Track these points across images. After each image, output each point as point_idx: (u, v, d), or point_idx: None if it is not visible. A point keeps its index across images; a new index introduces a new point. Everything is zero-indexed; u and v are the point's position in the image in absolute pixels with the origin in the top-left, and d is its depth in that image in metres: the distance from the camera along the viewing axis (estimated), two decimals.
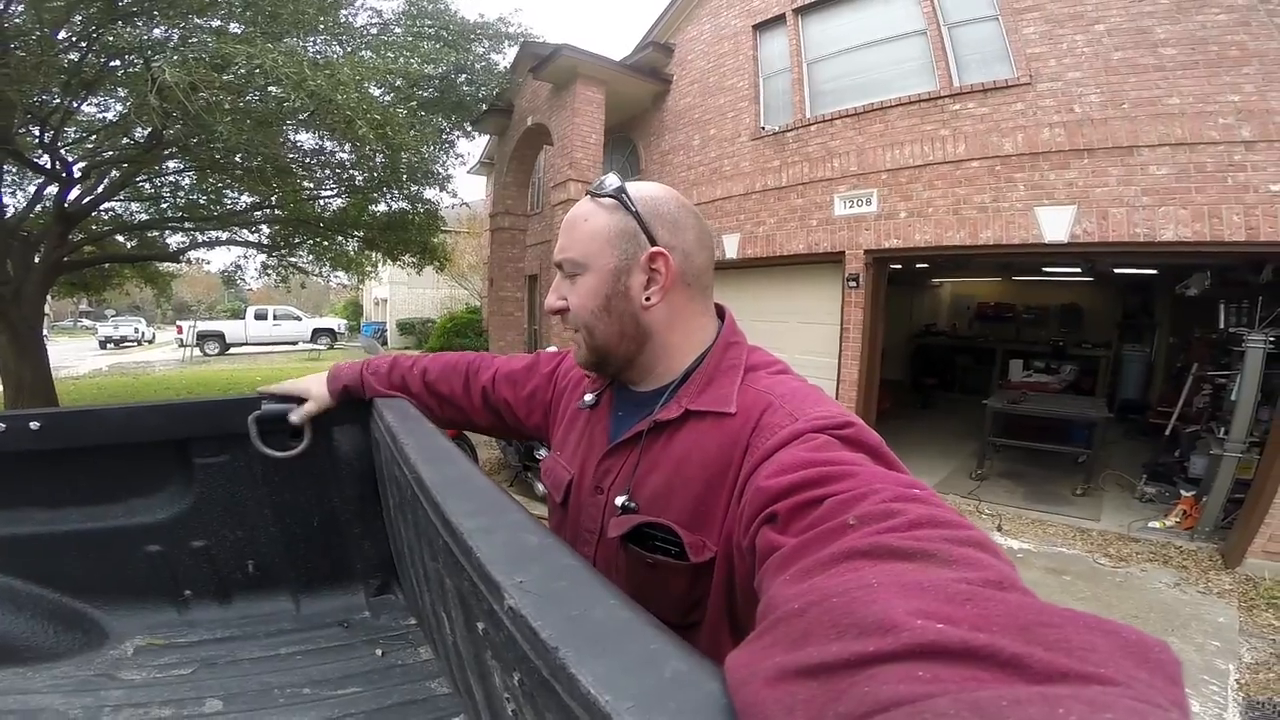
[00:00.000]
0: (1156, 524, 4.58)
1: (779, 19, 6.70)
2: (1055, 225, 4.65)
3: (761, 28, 6.94)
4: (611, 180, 0.74)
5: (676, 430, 0.71)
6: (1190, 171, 4.12)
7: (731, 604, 0.66)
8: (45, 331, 8.09)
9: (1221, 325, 4.83)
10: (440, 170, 8.50)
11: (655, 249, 0.72)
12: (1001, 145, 4.94)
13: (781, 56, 6.72)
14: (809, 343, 6.29)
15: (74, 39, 4.90)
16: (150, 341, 25.84)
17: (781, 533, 0.47)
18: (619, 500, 0.72)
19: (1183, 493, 4.79)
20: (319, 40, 6.37)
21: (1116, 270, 7.44)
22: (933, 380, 10.02)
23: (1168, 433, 5.57)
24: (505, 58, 8.77)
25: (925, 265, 7.92)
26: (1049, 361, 8.36)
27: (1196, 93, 4.15)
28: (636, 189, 0.74)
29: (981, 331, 10.53)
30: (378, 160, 6.99)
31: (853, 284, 5.78)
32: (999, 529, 4.63)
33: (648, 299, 0.73)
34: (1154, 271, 7.24)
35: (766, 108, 6.91)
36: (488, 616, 0.50)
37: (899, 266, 6.66)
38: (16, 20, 4.58)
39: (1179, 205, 4.14)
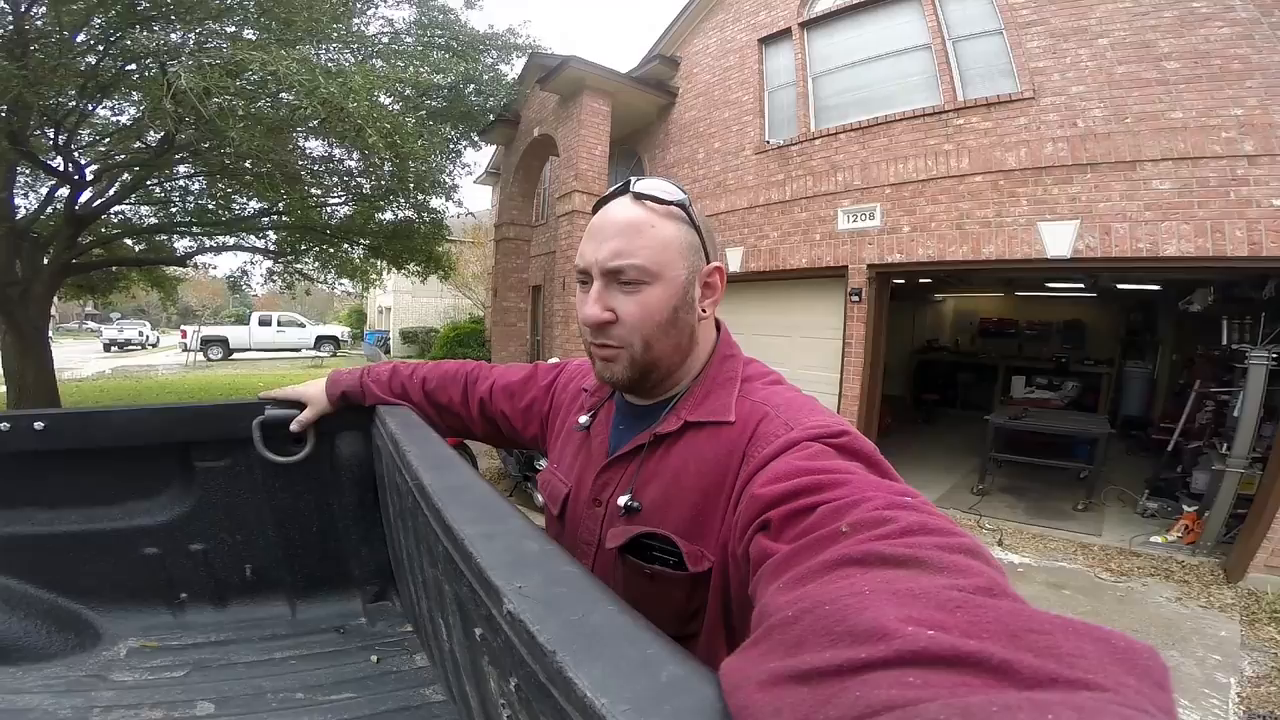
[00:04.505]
0: (1158, 539, 4.56)
1: (785, 33, 6.76)
2: (1058, 240, 4.65)
3: (767, 41, 7.00)
4: (665, 186, 0.70)
5: (675, 442, 0.71)
6: (1193, 186, 4.12)
7: (728, 614, 0.65)
8: (50, 333, 8.12)
9: (1224, 341, 4.82)
10: (447, 180, 8.59)
11: (716, 264, 0.73)
12: (1005, 160, 4.95)
13: (787, 70, 6.77)
14: (811, 357, 6.29)
15: (92, 42, 4.96)
16: (154, 345, 25.97)
17: (775, 540, 0.47)
18: (622, 500, 0.72)
19: (1185, 508, 4.77)
20: (331, 48, 6.44)
21: (1119, 286, 7.44)
22: (935, 396, 9.98)
23: (1170, 449, 5.55)
24: (513, 69, 8.88)
25: (928, 280, 7.93)
26: (1051, 378, 8.33)
27: (1199, 106, 4.15)
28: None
29: (984, 347, 10.50)
30: (385, 169, 7.04)
31: (855, 298, 5.78)
32: (1000, 544, 4.60)
33: (704, 311, 0.73)
34: (1157, 287, 7.23)
35: (771, 121, 6.95)
36: (486, 622, 0.50)
37: (902, 281, 6.66)
38: (37, 23, 4.65)
39: (1181, 220, 4.14)
